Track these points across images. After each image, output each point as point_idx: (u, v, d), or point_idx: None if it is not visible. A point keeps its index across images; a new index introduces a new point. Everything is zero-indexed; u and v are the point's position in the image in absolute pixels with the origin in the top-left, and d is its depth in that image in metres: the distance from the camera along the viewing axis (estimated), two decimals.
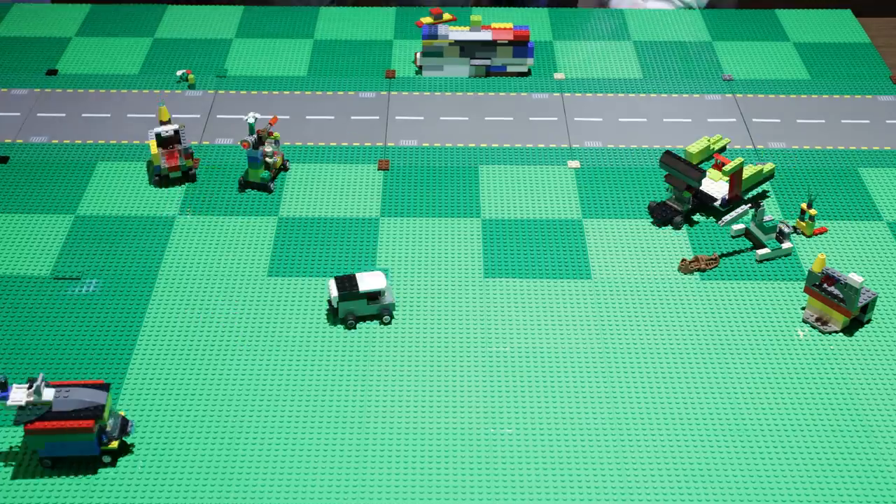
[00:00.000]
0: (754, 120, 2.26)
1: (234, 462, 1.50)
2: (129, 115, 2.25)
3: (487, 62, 2.38)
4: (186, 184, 2.03)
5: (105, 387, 1.48)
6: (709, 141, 2.09)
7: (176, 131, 2.00)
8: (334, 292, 1.68)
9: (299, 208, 1.99)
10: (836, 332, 1.72)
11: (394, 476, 1.49)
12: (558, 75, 2.41)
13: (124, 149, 2.15)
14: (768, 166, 2.02)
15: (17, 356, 1.67)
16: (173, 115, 2.23)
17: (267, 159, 2.00)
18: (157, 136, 1.99)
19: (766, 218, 1.86)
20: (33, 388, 1.43)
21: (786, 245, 1.88)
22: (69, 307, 1.76)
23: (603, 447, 1.53)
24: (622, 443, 1.54)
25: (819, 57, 2.49)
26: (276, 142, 2.06)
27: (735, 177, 1.94)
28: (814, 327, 1.73)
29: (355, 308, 1.70)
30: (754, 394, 1.62)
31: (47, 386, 1.45)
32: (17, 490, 1.46)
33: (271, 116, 2.10)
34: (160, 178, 2.02)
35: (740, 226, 1.90)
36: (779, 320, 1.75)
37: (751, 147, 2.18)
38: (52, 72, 2.39)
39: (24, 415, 1.45)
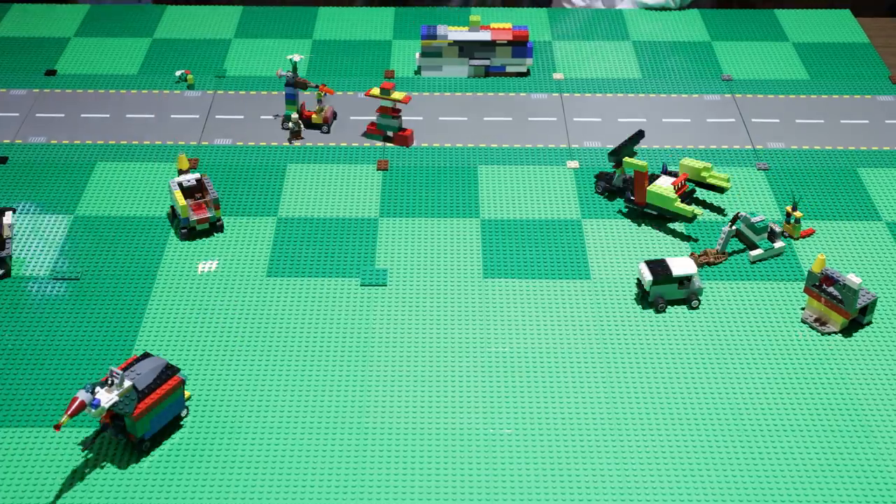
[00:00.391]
0: (753, 120, 2.26)
1: (234, 462, 1.50)
2: (128, 116, 2.25)
3: (486, 62, 2.38)
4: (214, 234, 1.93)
5: (146, 355, 1.52)
6: (704, 167, 2.00)
7: (198, 180, 1.90)
8: (648, 276, 1.73)
9: (298, 208, 1.99)
10: (835, 332, 1.72)
11: (392, 476, 1.49)
12: (557, 75, 2.41)
13: (123, 149, 2.15)
14: (720, 179, 1.97)
15: (15, 357, 1.67)
16: (172, 115, 2.23)
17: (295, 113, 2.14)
18: (180, 186, 1.89)
19: (757, 218, 1.86)
20: (115, 384, 1.45)
21: (778, 244, 1.87)
22: (68, 308, 1.76)
23: (602, 447, 1.53)
24: (621, 443, 1.54)
25: (818, 57, 2.49)
26: (319, 100, 2.19)
27: (637, 179, 1.92)
28: (812, 328, 1.73)
29: (665, 292, 1.75)
30: (753, 394, 1.62)
31: (102, 385, 1.46)
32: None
33: (328, 87, 2.20)
34: (188, 231, 1.89)
35: (727, 227, 1.88)
36: (778, 320, 1.75)
37: (750, 147, 2.18)
38: (51, 72, 2.39)
39: (124, 406, 1.46)
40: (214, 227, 1.92)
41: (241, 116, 2.25)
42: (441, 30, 2.36)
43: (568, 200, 2.02)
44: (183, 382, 1.53)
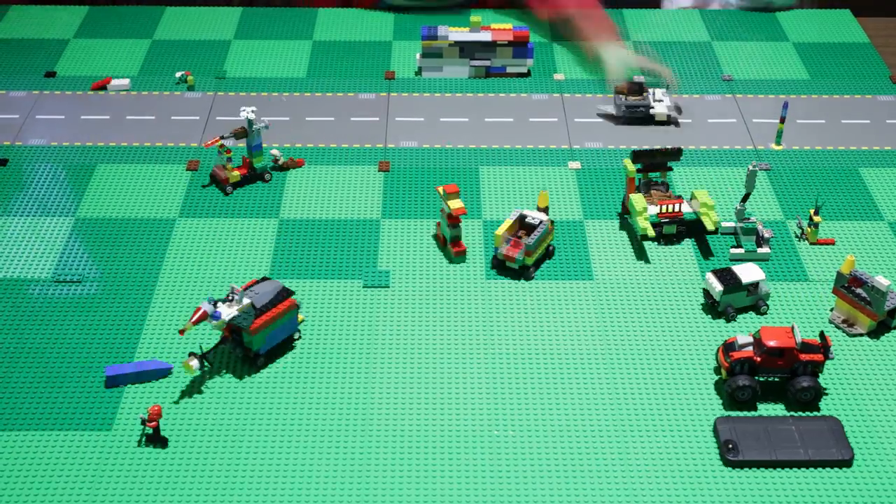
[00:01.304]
0: (754, 120, 2.26)
1: (234, 462, 1.50)
2: (128, 118, 2.24)
3: (487, 63, 2.38)
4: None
5: (265, 279, 1.65)
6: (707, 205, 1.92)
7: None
8: (718, 287, 1.72)
9: (300, 210, 1.99)
10: (862, 334, 1.71)
11: (395, 477, 1.49)
12: (558, 76, 2.41)
13: (124, 151, 2.14)
14: (711, 222, 1.88)
15: (18, 359, 1.66)
16: (172, 117, 2.22)
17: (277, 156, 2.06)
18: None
19: (749, 220, 1.86)
20: (234, 300, 1.58)
21: (761, 250, 1.87)
22: (70, 310, 1.76)
23: (605, 447, 1.53)
24: (624, 443, 1.54)
25: (819, 57, 2.49)
26: (221, 152, 2.02)
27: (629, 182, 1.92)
28: (839, 328, 1.72)
29: (734, 300, 1.74)
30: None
31: (224, 301, 1.59)
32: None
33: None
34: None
35: (729, 223, 1.88)
36: (779, 321, 1.75)
37: (751, 147, 2.18)
38: (51, 74, 2.39)
39: (242, 320, 1.58)
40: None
41: (242, 117, 2.24)
42: (442, 30, 2.36)
43: (570, 201, 2.02)
44: (297, 305, 1.65)
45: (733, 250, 1.86)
